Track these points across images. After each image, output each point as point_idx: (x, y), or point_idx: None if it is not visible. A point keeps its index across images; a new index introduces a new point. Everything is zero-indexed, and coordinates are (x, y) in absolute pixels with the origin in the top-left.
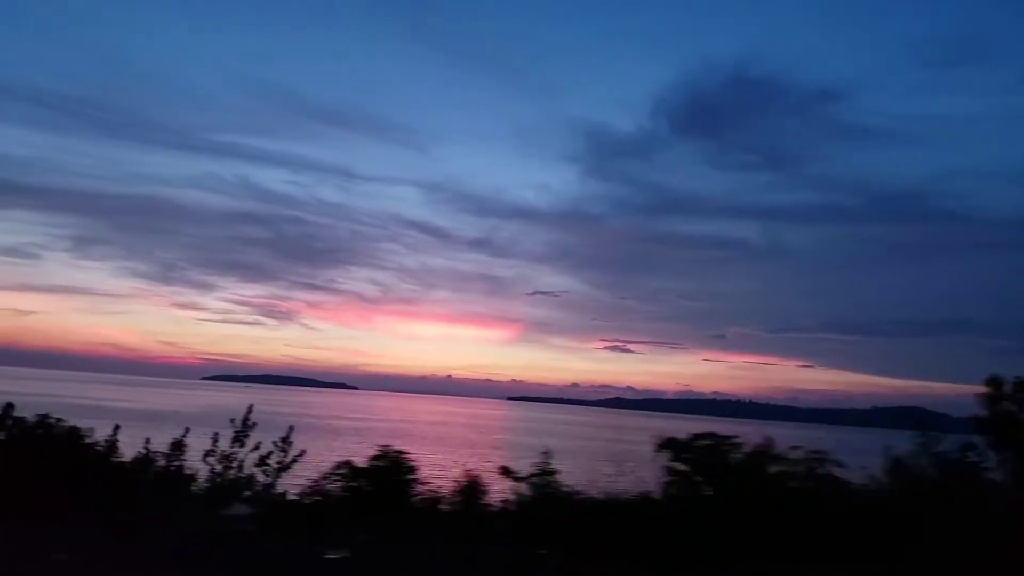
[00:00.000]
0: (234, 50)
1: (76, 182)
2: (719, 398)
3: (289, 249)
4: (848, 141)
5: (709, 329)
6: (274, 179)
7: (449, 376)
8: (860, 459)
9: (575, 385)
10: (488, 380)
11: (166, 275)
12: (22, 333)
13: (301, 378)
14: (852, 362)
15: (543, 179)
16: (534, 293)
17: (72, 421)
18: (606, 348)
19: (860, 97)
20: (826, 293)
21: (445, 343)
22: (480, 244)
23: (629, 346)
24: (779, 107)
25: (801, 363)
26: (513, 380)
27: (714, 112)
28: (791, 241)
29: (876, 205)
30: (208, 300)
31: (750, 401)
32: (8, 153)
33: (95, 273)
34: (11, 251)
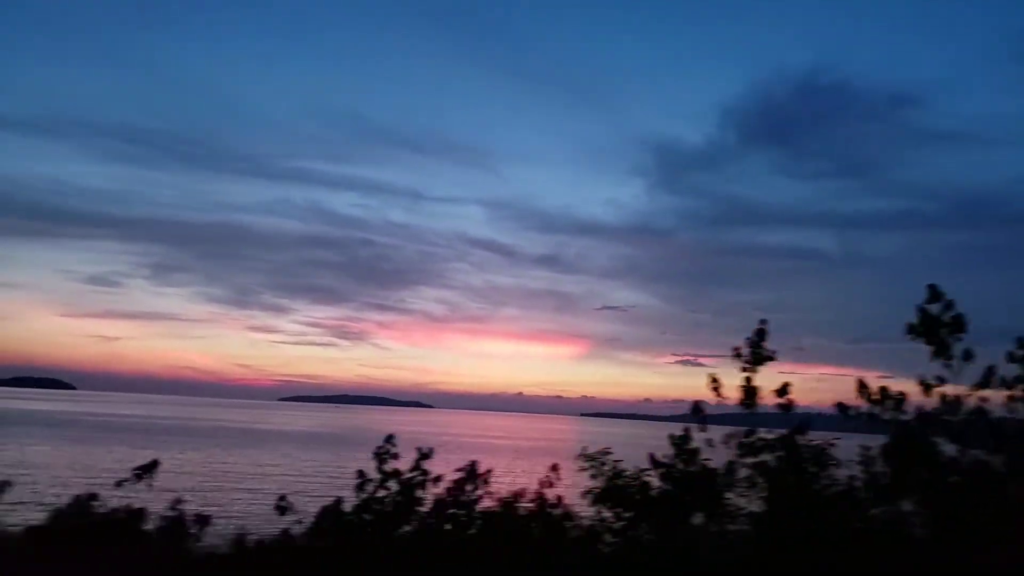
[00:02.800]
0: (306, 79)
1: (156, 211)
2: (795, 410)
3: (359, 271)
4: (925, 145)
5: (785, 341)
6: (344, 203)
7: (520, 393)
8: None
9: (647, 400)
10: (559, 397)
11: (241, 299)
12: (109, 358)
13: (376, 397)
14: (927, 371)
15: (611, 194)
16: (602, 308)
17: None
18: (677, 362)
19: (936, 100)
20: (908, 302)
21: (514, 360)
22: (547, 261)
23: (700, 360)
24: (853, 113)
25: (880, 374)
26: (583, 396)
27: (785, 120)
28: (869, 249)
29: (958, 209)
30: (282, 323)
31: (818, 413)
32: (92, 186)
33: (174, 299)
34: (97, 279)
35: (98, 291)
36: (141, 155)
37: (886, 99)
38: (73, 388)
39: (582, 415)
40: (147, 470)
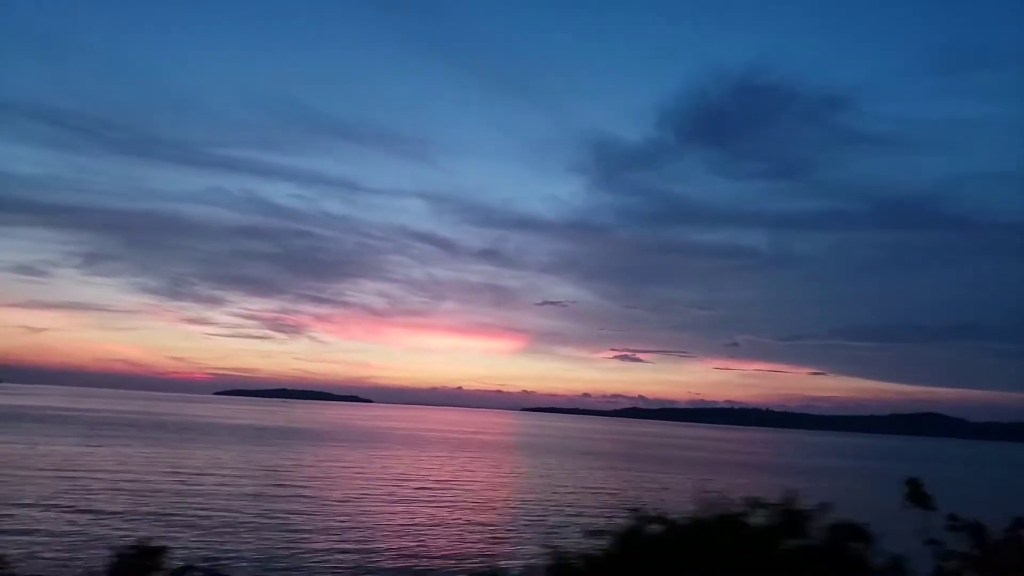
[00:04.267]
0: (241, 66)
1: (86, 199)
2: (733, 406)
3: (296, 262)
4: (856, 147)
5: (719, 338)
6: (281, 193)
7: (459, 387)
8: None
9: (586, 395)
10: (498, 391)
11: (175, 290)
12: (34, 350)
13: (314, 392)
14: (864, 368)
15: (551, 190)
16: (543, 303)
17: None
18: (616, 358)
19: (868, 103)
20: (837, 300)
21: (454, 354)
22: (488, 255)
23: (639, 355)
24: (787, 115)
25: (813, 370)
26: (523, 391)
27: (722, 121)
28: (801, 248)
29: (885, 211)
30: (217, 315)
31: (766, 409)
32: (19, 172)
33: (105, 289)
34: (24, 268)
35: (25, 280)
36: (71, 140)
37: (820, 101)
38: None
39: (523, 410)
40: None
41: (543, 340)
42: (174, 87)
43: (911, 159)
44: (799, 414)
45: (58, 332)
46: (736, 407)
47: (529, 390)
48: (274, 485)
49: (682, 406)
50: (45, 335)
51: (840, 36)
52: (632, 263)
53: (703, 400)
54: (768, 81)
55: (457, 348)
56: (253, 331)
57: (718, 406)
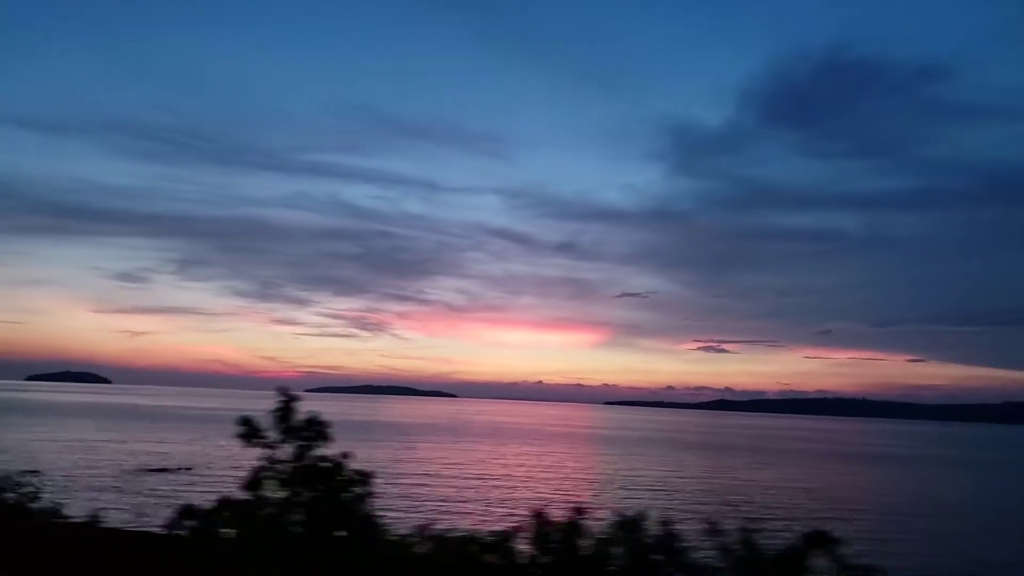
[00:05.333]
0: (321, 74)
1: (179, 207)
2: (827, 396)
3: (378, 262)
4: (954, 120)
5: (809, 325)
6: (362, 195)
7: (540, 382)
8: None
9: (670, 388)
10: (579, 385)
11: (264, 292)
12: (138, 352)
13: (399, 387)
14: (969, 354)
15: (628, 179)
16: (622, 295)
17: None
18: (699, 349)
19: (966, 72)
20: (936, 282)
21: (533, 349)
22: (565, 248)
23: (724, 346)
24: (876, 90)
25: (911, 357)
26: (604, 384)
27: (806, 100)
28: (895, 229)
29: (987, 186)
30: (304, 315)
31: (862, 399)
32: (119, 185)
33: (199, 293)
34: (125, 276)
35: (126, 287)
36: (163, 152)
37: (912, 73)
38: (108, 382)
39: (605, 403)
40: None
41: (623, 332)
42: (259, 98)
43: (1015, 129)
44: (899, 403)
45: (157, 335)
46: (830, 397)
47: (610, 383)
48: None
49: (772, 397)
50: (146, 338)
51: (930, 3)
52: (715, 250)
53: (793, 391)
54: (854, 56)
55: (536, 343)
56: (339, 330)
57: (810, 396)
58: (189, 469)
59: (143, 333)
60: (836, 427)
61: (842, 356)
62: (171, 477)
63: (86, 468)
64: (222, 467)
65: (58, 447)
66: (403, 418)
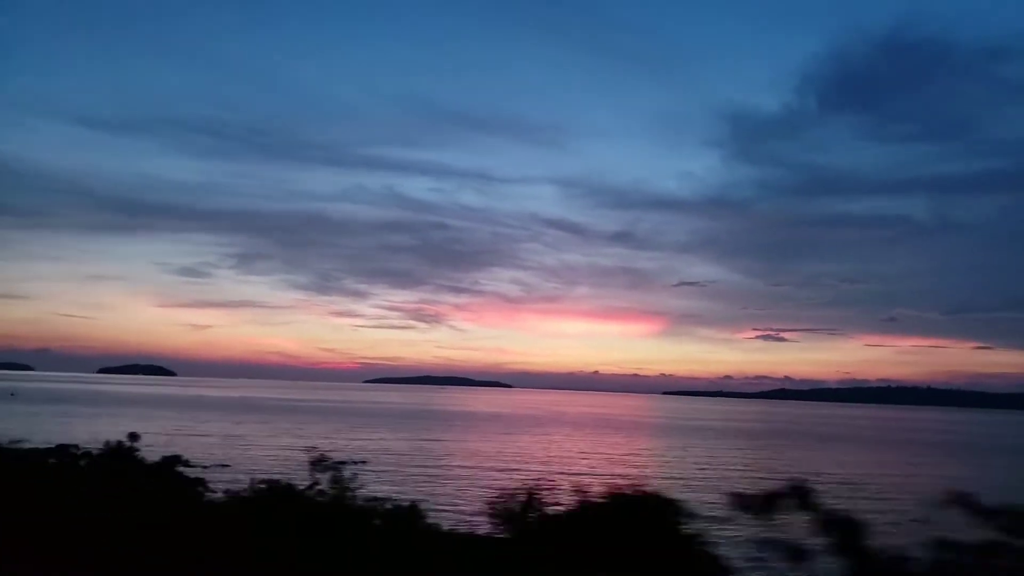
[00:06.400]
0: (376, 67)
1: (240, 203)
2: (890, 385)
3: (434, 254)
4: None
5: (873, 313)
6: (418, 187)
7: (596, 372)
8: None
9: (728, 377)
10: (635, 375)
11: (323, 285)
12: (202, 345)
13: (457, 378)
14: None
15: (685, 167)
16: (679, 284)
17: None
18: (758, 337)
19: None
20: (1006, 269)
21: (590, 339)
22: (621, 238)
23: (783, 334)
24: (942, 71)
25: (978, 344)
26: (661, 374)
27: (868, 83)
28: (963, 214)
29: None
30: (362, 307)
31: (927, 387)
32: (181, 180)
33: (259, 287)
34: (187, 271)
35: (189, 281)
36: (223, 148)
37: (980, 53)
38: (174, 375)
39: (664, 393)
40: None
41: (681, 322)
42: (317, 92)
43: None
44: (966, 392)
45: (220, 328)
46: (893, 386)
47: (667, 373)
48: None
49: (832, 386)
50: (209, 332)
51: None
52: (775, 238)
53: (854, 379)
54: (918, 36)
55: (592, 333)
56: (396, 321)
57: (871, 385)
58: (364, 462)
59: (206, 326)
60: (912, 416)
61: (906, 344)
62: (359, 470)
63: (272, 460)
64: (399, 462)
65: (217, 440)
66: (501, 408)
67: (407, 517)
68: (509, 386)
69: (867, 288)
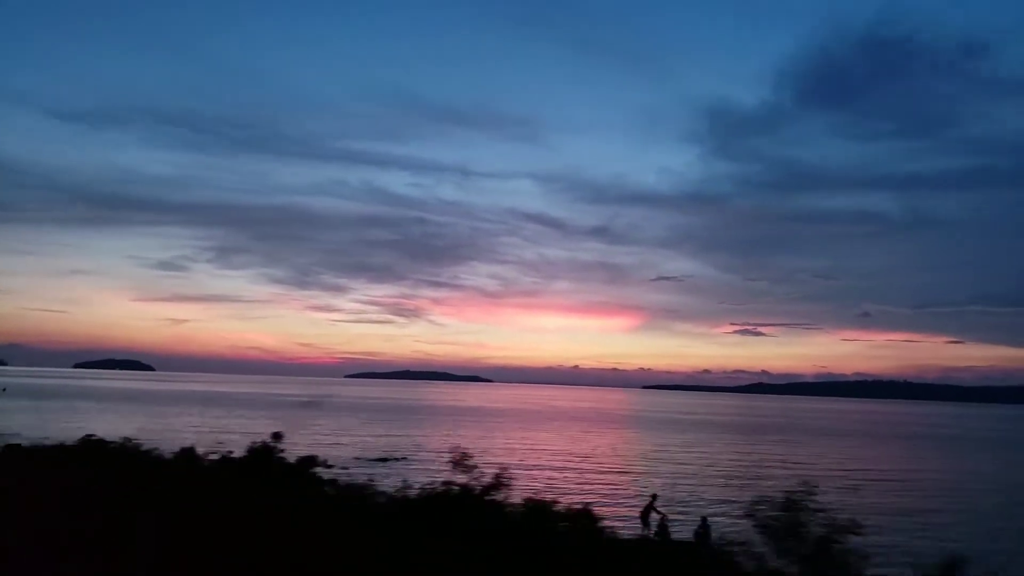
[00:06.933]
0: (355, 61)
1: (217, 196)
2: (865, 379)
3: (413, 248)
4: (1001, 97)
5: (847, 308)
6: (398, 182)
7: (575, 367)
8: None
9: (706, 372)
10: (615, 369)
11: (302, 279)
12: (180, 340)
13: (435, 373)
14: (1009, 336)
15: (663, 162)
16: (657, 279)
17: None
18: (736, 332)
19: (1012, 48)
20: (977, 264)
21: (568, 333)
22: (599, 232)
23: (760, 329)
24: (918, 68)
25: (950, 339)
26: (640, 369)
27: (844, 80)
28: (937, 211)
29: None
30: (341, 302)
31: (904, 381)
32: (157, 173)
33: (237, 281)
34: (165, 265)
35: (166, 276)
36: (200, 141)
37: (955, 50)
38: (152, 369)
39: (643, 387)
40: None
41: (659, 316)
42: (295, 85)
43: None
44: (939, 385)
45: (198, 323)
46: (868, 380)
47: (646, 367)
48: None
49: (809, 380)
50: (186, 326)
51: None
52: (752, 233)
53: (830, 373)
54: (895, 33)
55: (571, 327)
56: (375, 316)
57: (847, 379)
58: (404, 459)
59: (183, 321)
60: (885, 410)
61: (880, 338)
62: (402, 467)
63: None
64: (438, 459)
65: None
66: (485, 403)
67: (585, 520)
68: (489, 381)
69: (842, 283)
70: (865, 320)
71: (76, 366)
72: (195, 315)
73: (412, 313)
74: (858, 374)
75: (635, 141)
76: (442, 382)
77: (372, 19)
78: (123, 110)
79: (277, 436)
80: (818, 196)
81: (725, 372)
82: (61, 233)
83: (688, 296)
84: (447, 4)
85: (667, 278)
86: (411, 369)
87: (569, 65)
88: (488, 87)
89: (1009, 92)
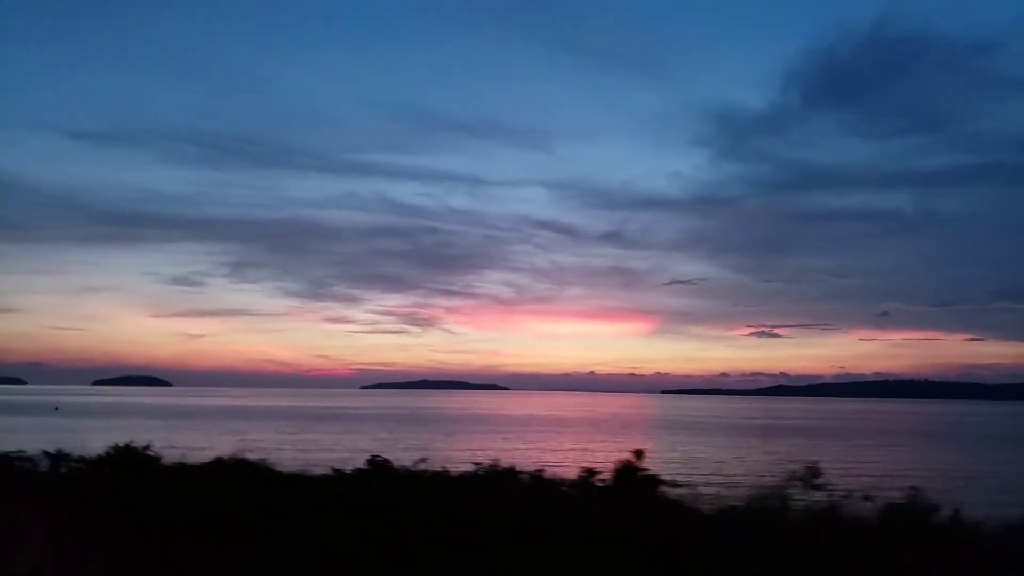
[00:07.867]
0: (364, 73)
1: (230, 211)
2: (885, 379)
3: (426, 258)
4: (1010, 94)
5: (865, 307)
6: (409, 192)
7: (592, 372)
8: None
9: (724, 375)
10: (631, 374)
11: (316, 292)
12: (195, 355)
13: (452, 382)
14: None
15: (674, 166)
16: (671, 283)
17: None
18: (752, 334)
19: (1016, 45)
20: (997, 260)
21: (583, 339)
22: (611, 238)
23: (777, 331)
24: (926, 65)
25: (970, 336)
26: (656, 373)
27: (852, 78)
28: (952, 207)
29: None
30: (355, 313)
31: (925, 380)
32: (172, 191)
33: (252, 295)
34: (180, 280)
35: (182, 291)
36: (214, 158)
37: (963, 47)
38: (169, 385)
39: (662, 392)
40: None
41: (674, 320)
42: (305, 100)
43: None
44: (960, 384)
45: (213, 337)
46: (888, 379)
47: (663, 372)
48: None
49: (828, 381)
50: (202, 341)
51: None
52: (765, 234)
53: (849, 374)
54: (901, 31)
55: (586, 333)
56: (390, 326)
57: (867, 379)
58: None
59: (199, 336)
60: (912, 409)
61: (899, 337)
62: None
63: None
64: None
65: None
66: (532, 410)
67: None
68: (506, 388)
69: (858, 283)
70: (883, 319)
71: (94, 383)
72: (211, 330)
73: (426, 322)
74: (877, 374)
75: (644, 146)
76: (458, 391)
77: (381, 31)
78: (137, 129)
79: (638, 453)
80: (830, 195)
81: (743, 375)
82: (77, 251)
83: (702, 299)
84: (454, 15)
85: (681, 281)
86: (427, 378)
87: (576, 72)
88: (496, 96)
89: (1015, 89)
